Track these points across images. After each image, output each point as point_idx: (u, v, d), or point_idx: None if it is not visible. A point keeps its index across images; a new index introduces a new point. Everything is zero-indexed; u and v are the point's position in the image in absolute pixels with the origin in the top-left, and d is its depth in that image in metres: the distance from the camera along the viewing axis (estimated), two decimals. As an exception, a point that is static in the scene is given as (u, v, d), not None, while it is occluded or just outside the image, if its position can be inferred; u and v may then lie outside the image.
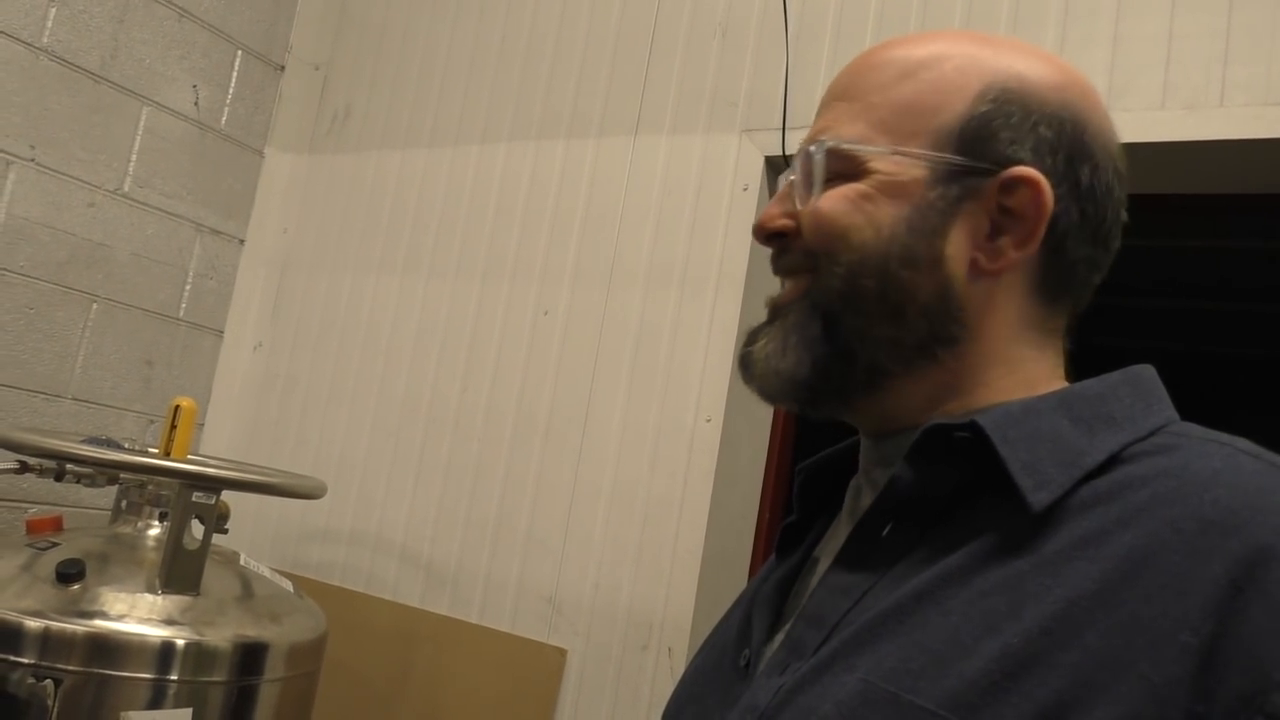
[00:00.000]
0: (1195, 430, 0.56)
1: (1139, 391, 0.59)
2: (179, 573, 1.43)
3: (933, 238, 0.61)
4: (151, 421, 2.17)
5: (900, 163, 0.62)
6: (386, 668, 1.92)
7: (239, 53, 2.30)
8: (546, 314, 1.93)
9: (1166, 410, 0.59)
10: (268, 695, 1.52)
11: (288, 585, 1.65)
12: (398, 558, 2.00)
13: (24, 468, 1.48)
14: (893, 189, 0.62)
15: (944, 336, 0.61)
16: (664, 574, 1.70)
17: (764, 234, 0.67)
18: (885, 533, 0.59)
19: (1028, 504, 0.53)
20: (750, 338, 0.67)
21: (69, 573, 1.39)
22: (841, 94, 0.66)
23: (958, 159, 0.61)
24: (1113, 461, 0.54)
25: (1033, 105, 0.62)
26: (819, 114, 0.68)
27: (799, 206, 0.64)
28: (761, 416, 1.81)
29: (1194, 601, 0.46)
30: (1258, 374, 3.77)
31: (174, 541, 1.43)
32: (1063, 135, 0.62)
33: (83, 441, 1.52)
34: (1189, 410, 0.59)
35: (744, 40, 1.82)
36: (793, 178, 0.66)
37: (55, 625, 1.34)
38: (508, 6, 2.13)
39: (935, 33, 0.68)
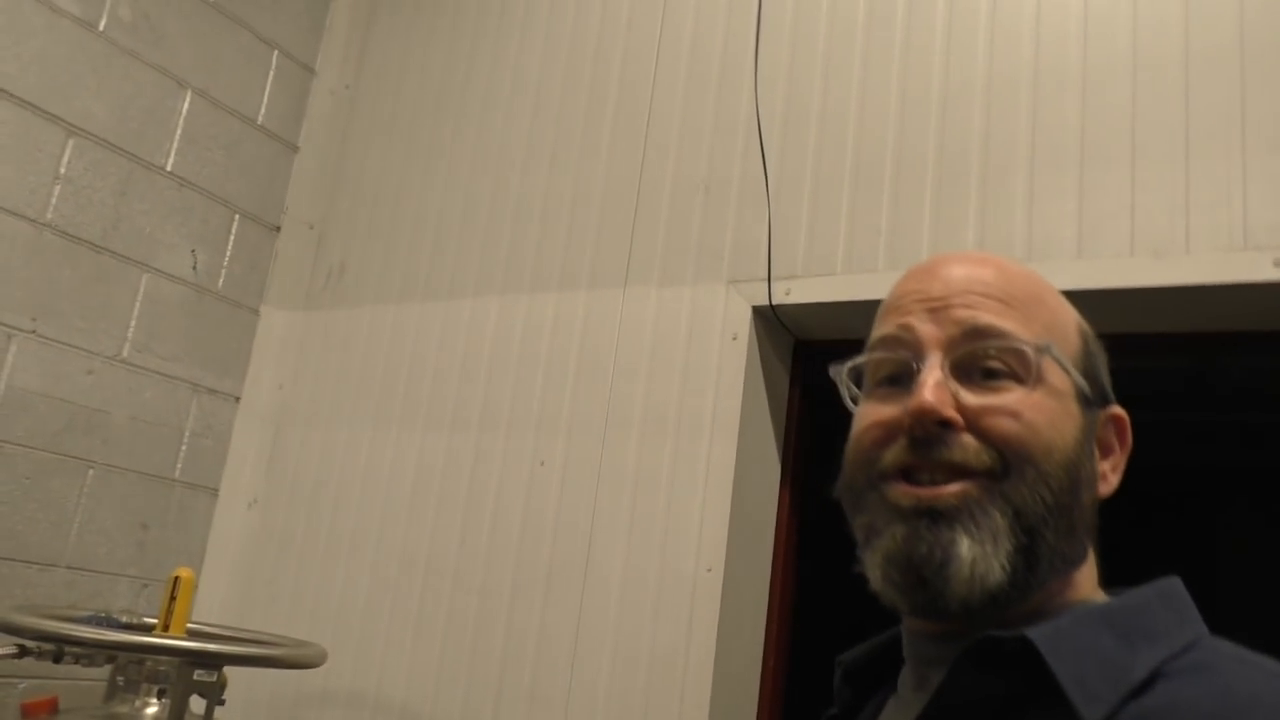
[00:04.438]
0: (1226, 648, 0.59)
1: (1171, 605, 0.62)
2: (179, 756, 1.40)
3: (1092, 459, 0.66)
4: (145, 585, 2.15)
5: (1065, 381, 0.66)
6: (388, 838, 1.85)
7: (236, 216, 2.37)
8: (543, 464, 1.94)
9: (1197, 624, 0.62)
10: None
11: (288, 759, 1.62)
12: (398, 718, 1.96)
13: (23, 652, 1.46)
14: (1066, 406, 0.65)
15: (1083, 555, 0.65)
16: (671, 729, 1.67)
17: (934, 419, 0.63)
18: None
19: (1081, 718, 0.55)
20: (922, 533, 0.61)
21: (67, 763, 1.36)
22: (988, 291, 0.66)
23: (1090, 390, 0.67)
24: (1154, 677, 0.56)
25: (1098, 345, 0.70)
26: (945, 298, 0.67)
27: (968, 402, 0.63)
28: (760, 564, 1.81)
29: None
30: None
31: (174, 722, 1.41)
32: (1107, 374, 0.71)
33: (81, 621, 1.51)
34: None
35: (726, 196, 1.89)
36: (942, 366, 0.64)
37: (51, 818, 1.31)
38: (497, 166, 2.21)
39: (993, 256, 0.72)
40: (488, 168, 2.23)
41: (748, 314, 1.80)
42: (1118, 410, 0.69)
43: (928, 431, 0.63)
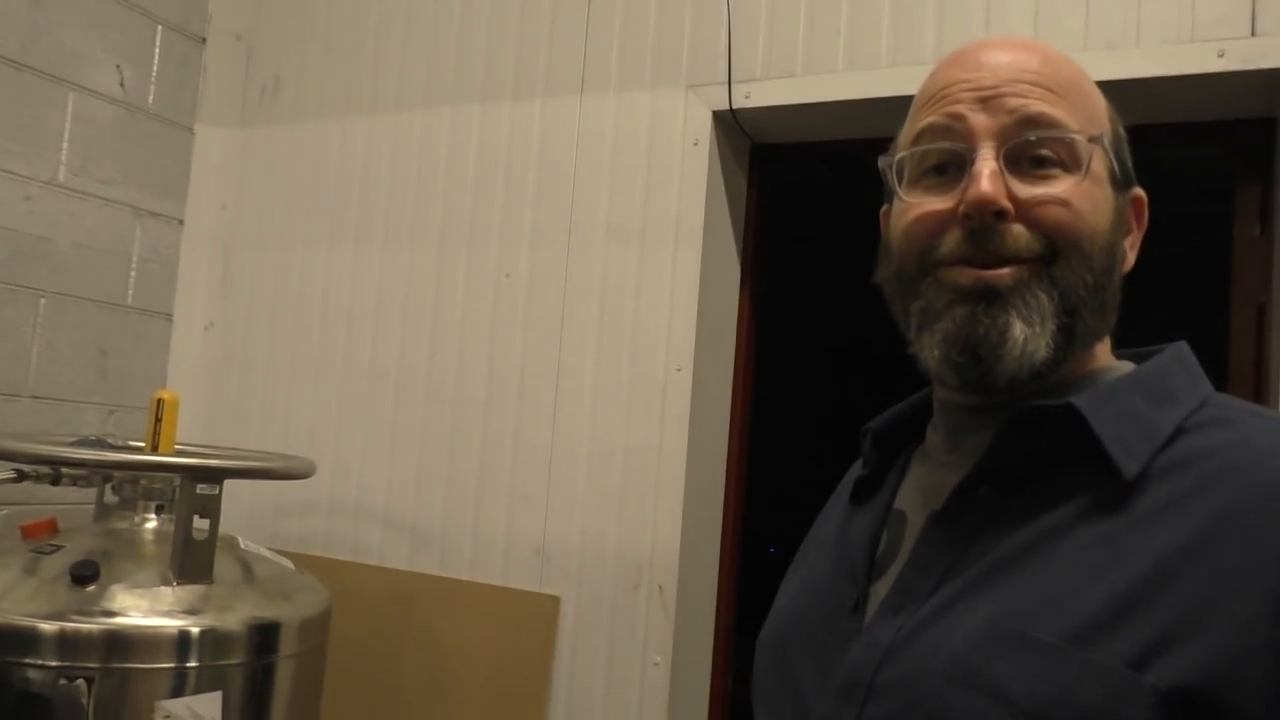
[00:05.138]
0: (1236, 403, 0.67)
1: (1186, 369, 0.70)
2: (191, 564, 1.47)
3: (1123, 243, 0.71)
4: (111, 411, 2.16)
5: (1104, 165, 0.69)
6: (384, 631, 1.99)
7: (159, 28, 2.24)
8: (508, 276, 1.97)
9: (1206, 384, 0.69)
10: (284, 671, 1.58)
11: (288, 563, 1.70)
12: (381, 523, 2.05)
13: (21, 476, 1.49)
14: (1105, 191, 0.69)
15: (1109, 329, 0.71)
16: (648, 516, 1.79)
17: (992, 209, 0.65)
18: (980, 493, 0.68)
19: (1121, 472, 0.62)
20: (979, 315, 0.65)
21: (84, 574, 1.42)
22: (1038, 79, 0.68)
23: (1120, 173, 0.71)
24: (1178, 433, 0.64)
25: (1123, 128, 0.73)
26: (995, 86, 0.68)
27: (1019, 192, 0.66)
28: (724, 361, 1.91)
29: (1268, 553, 0.56)
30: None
31: (184, 534, 1.47)
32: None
33: (74, 444, 1.53)
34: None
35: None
36: (996, 156, 0.66)
37: (77, 626, 1.38)
38: (437, -32, 2.12)
39: (1033, 41, 0.73)
40: (428, -30, 2.13)
41: (708, 119, 1.81)
42: (1139, 192, 0.73)
43: (984, 222, 0.66)
